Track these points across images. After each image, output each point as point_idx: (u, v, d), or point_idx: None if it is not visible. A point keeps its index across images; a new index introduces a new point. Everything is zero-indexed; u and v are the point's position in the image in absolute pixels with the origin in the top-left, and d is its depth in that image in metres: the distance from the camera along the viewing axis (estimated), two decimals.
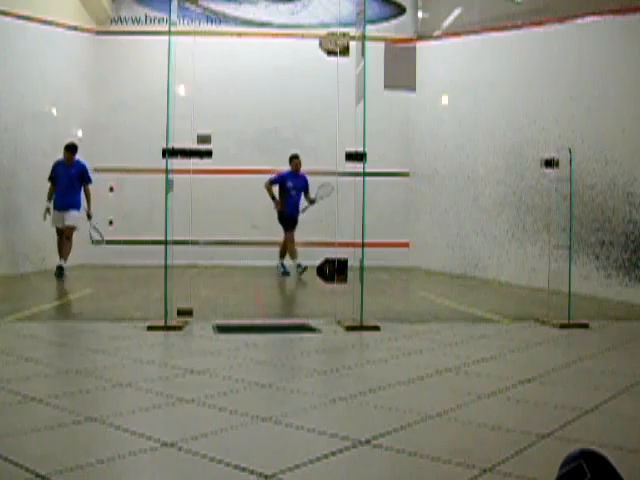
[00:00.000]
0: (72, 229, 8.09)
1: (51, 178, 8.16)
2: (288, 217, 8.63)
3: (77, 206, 8.24)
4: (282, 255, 8.64)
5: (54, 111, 9.63)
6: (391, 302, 6.54)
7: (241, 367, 3.10)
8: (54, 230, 8.14)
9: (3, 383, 2.65)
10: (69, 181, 8.17)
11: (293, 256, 8.51)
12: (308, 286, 7.49)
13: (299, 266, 8.38)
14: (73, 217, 8.13)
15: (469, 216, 9.08)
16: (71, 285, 7.15)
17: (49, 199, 8.11)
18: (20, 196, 8.83)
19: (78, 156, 8.28)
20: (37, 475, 1.62)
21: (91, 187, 8.33)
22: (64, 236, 8.08)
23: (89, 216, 8.24)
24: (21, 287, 7.46)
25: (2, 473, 1.65)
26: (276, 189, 8.67)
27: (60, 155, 8.27)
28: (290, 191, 8.67)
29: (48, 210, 8.08)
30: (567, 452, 1.38)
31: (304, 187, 8.62)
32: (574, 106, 7.32)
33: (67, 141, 8.34)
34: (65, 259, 8.02)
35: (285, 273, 8.51)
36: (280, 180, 8.73)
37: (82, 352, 3.66)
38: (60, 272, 7.83)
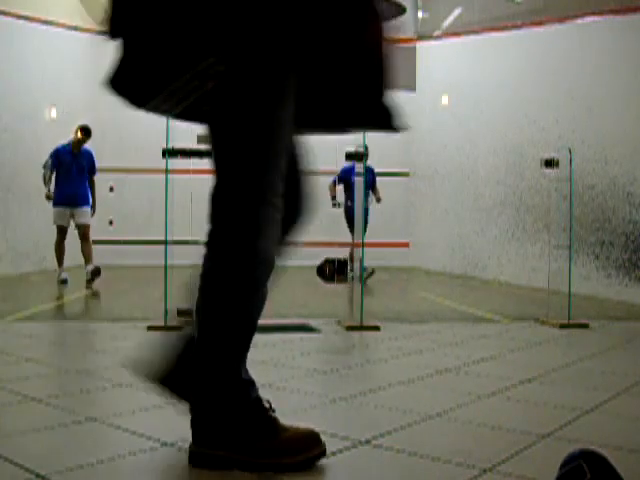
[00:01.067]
0: (88, 226, 7.27)
1: (52, 166, 7.14)
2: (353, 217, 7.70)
3: (88, 201, 7.31)
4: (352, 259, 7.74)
5: (54, 111, 9.64)
6: (391, 302, 6.54)
7: None
8: (48, 230, 7.34)
9: (3, 383, 2.65)
10: (79, 172, 7.23)
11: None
12: (308, 286, 7.48)
13: (365, 269, 7.48)
14: (87, 214, 7.26)
15: (469, 216, 9.08)
16: (71, 285, 7.15)
17: (47, 183, 7.17)
18: (20, 196, 8.83)
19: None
20: (37, 475, 1.62)
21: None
22: (82, 239, 7.21)
23: (92, 213, 7.38)
24: (21, 287, 7.46)
25: (2, 473, 1.65)
26: (340, 187, 7.83)
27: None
28: (355, 186, 7.76)
29: (49, 194, 7.16)
30: (567, 452, 1.38)
31: (372, 182, 7.59)
32: (574, 106, 7.32)
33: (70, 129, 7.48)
34: (91, 261, 7.12)
35: (370, 274, 7.46)
36: (344, 176, 7.47)
37: (82, 352, 3.66)
38: (95, 275, 6.97)
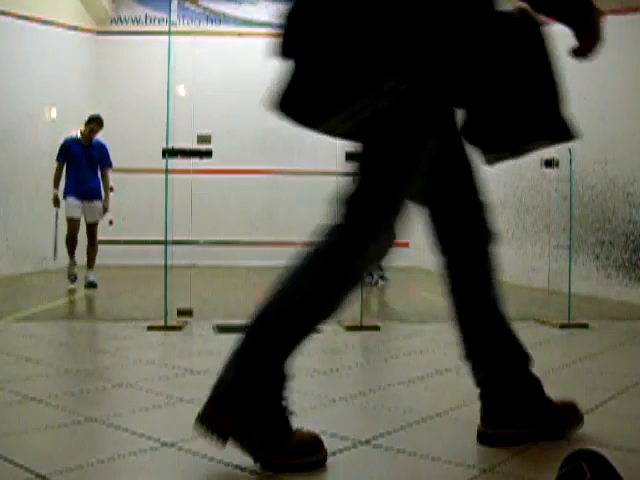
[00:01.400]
0: (97, 225, 7.01)
1: (61, 158, 6.86)
2: None
3: (100, 195, 6.96)
4: None
5: (54, 111, 9.64)
6: (391, 302, 6.55)
7: None
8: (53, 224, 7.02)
9: (3, 383, 2.65)
10: (90, 165, 6.88)
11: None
12: None
13: (382, 277, 7.50)
14: (97, 210, 6.95)
15: None
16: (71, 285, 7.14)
17: (57, 185, 6.87)
18: (20, 196, 8.84)
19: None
20: (37, 475, 1.62)
21: None
22: (90, 237, 6.94)
23: (104, 210, 7.01)
24: (21, 287, 7.46)
25: (2, 473, 1.65)
26: None
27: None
28: None
29: (57, 199, 6.86)
30: (567, 452, 1.38)
31: None
32: (574, 106, 7.31)
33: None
34: (93, 266, 6.90)
35: (375, 283, 7.45)
36: None
37: (82, 352, 3.66)
38: (91, 287, 6.72)
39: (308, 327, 1.77)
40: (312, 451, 1.73)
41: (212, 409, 1.75)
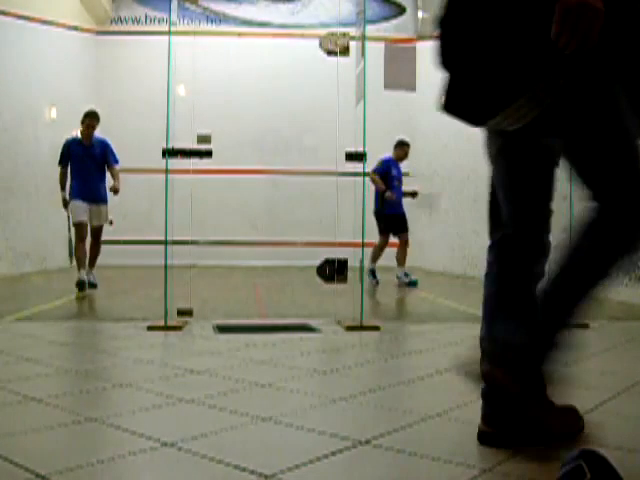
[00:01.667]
0: (102, 228, 6.69)
1: (63, 161, 6.52)
2: (388, 215, 7.47)
3: (106, 198, 6.61)
4: (374, 259, 7.49)
5: (54, 111, 9.64)
6: (391, 302, 6.54)
7: (241, 367, 3.10)
8: (55, 227, 7.03)
9: (3, 383, 2.65)
10: (93, 164, 6.53)
11: (400, 263, 7.61)
12: (308, 286, 7.49)
13: (406, 274, 7.52)
14: (104, 214, 6.64)
15: (469, 216, 9.08)
16: (71, 285, 7.14)
17: (63, 187, 6.52)
18: (20, 196, 8.83)
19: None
20: (37, 475, 1.62)
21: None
22: (94, 239, 6.64)
23: (116, 191, 6.47)
24: (21, 287, 7.46)
25: (2, 473, 1.65)
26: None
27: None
28: (394, 181, 7.40)
29: (66, 201, 6.51)
30: (567, 452, 1.38)
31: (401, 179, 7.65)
32: None
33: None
34: (94, 266, 6.64)
35: (376, 283, 7.46)
36: (385, 168, 7.34)
37: (82, 352, 3.66)
38: (91, 287, 6.46)
39: (588, 292, 1.99)
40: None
41: (490, 366, 1.92)
